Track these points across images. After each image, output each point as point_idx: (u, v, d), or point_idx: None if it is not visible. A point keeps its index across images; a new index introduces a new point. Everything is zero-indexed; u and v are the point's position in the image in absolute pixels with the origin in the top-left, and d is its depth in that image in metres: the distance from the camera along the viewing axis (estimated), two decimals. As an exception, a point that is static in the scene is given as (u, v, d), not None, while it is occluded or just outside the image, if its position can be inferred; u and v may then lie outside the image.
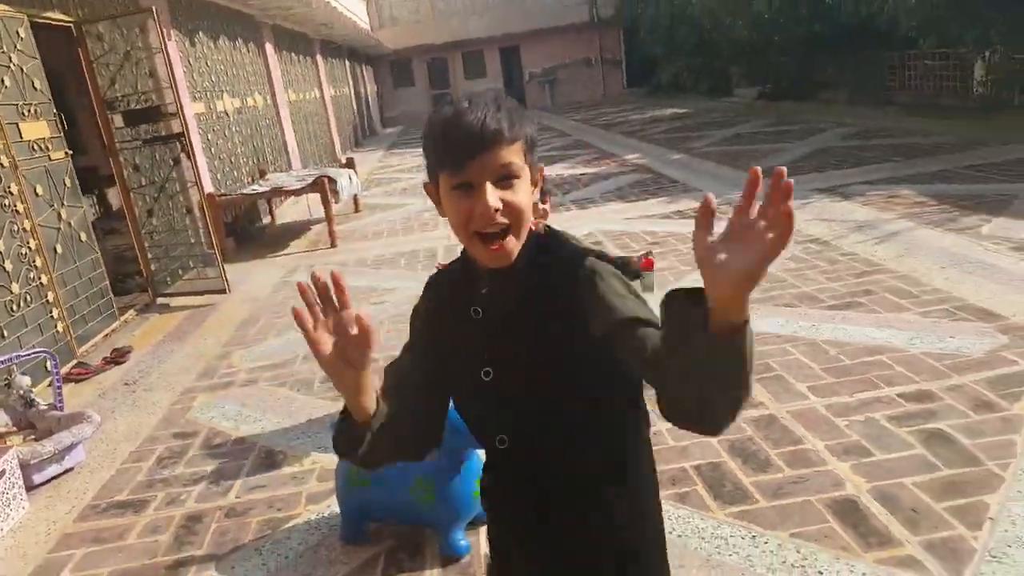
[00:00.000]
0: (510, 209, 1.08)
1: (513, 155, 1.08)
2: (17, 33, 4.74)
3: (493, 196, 1.07)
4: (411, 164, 14.40)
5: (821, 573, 2.15)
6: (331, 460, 3.18)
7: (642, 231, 6.49)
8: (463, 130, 1.06)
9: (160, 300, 6.17)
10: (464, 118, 1.06)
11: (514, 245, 1.11)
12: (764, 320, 4.12)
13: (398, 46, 28.61)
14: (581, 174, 10.56)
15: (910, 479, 2.53)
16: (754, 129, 13.10)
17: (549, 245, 1.19)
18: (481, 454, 2.48)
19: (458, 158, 1.07)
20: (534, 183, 1.15)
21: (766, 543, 2.30)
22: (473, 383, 1.21)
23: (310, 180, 8.03)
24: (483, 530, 2.58)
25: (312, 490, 2.99)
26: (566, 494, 1.20)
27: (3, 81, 4.48)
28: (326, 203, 7.67)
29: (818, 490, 2.54)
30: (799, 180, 7.92)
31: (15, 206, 4.41)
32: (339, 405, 3.71)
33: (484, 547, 2.50)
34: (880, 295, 4.29)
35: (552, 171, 11.17)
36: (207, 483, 3.15)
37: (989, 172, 7.21)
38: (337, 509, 2.70)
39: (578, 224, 7.12)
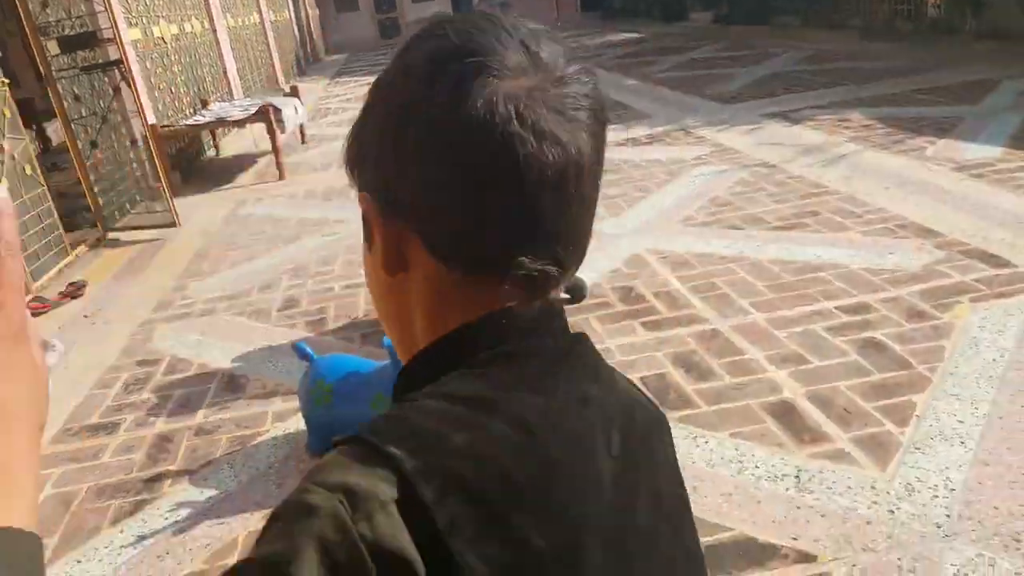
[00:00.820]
0: None
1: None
2: (-62, -47, 4.49)
3: None
4: (358, 93, 14.08)
5: (757, 466, 2.33)
6: (293, 382, 3.27)
7: (595, 157, 6.52)
8: None
9: (111, 235, 6.06)
10: None
11: None
12: (711, 242, 4.27)
13: (342, -32, 27.46)
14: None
15: (844, 383, 2.73)
16: (709, 54, 13.09)
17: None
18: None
19: None
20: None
21: (706, 442, 2.48)
22: None
23: (254, 110, 7.83)
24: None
25: (277, 409, 3.08)
26: None
27: (-72, 5, 4.27)
28: (271, 133, 7.50)
29: (756, 395, 2.72)
30: (752, 106, 8.04)
31: (-48, 137, 4.27)
32: (298, 333, 3.82)
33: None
34: (825, 216, 4.46)
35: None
36: (174, 406, 3.22)
37: (937, 95, 7.39)
38: (303, 425, 2.81)
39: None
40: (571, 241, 0.56)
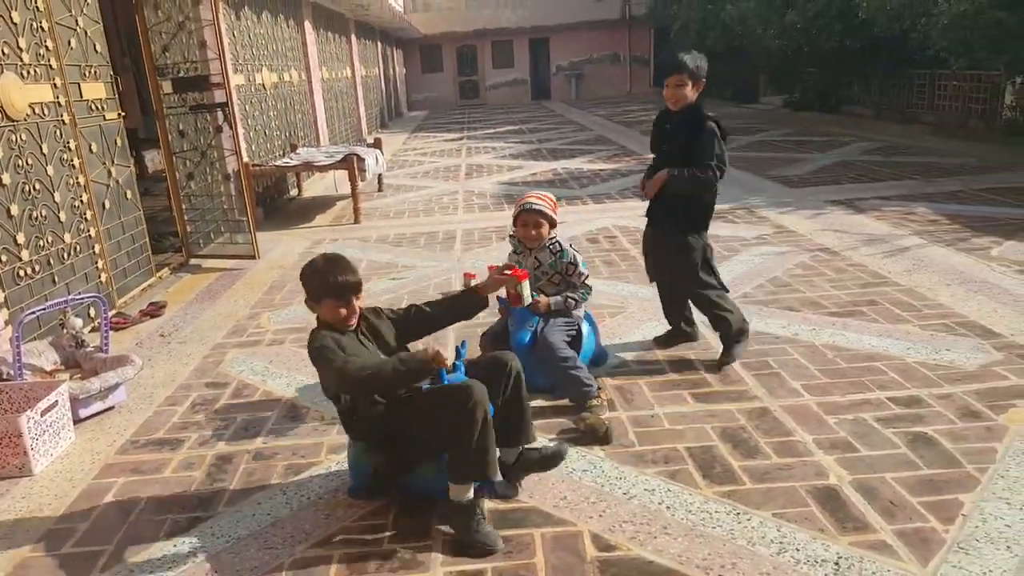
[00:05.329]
0: None
1: None
2: (84, -2, 4.99)
3: None
4: (434, 148, 14.61)
5: (798, 550, 2.35)
6: (353, 418, 3.42)
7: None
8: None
9: (193, 261, 6.43)
10: None
11: None
12: (766, 321, 4.32)
13: (429, 31, 28.82)
14: (600, 169, 10.77)
15: (891, 475, 2.72)
16: (778, 137, 13.21)
17: None
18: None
19: None
20: None
21: (749, 519, 2.51)
22: None
23: (339, 157, 8.27)
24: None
25: (332, 442, 3.23)
26: None
27: (69, 43, 4.74)
28: (353, 180, 7.91)
29: (802, 478, 2.74)
30: (817, 191, 8.09)
31: (72, 161, 4.68)
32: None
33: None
34: (883, 306, 4.47)
35: (571, 165, 11.38)
36: (236, 429, 3.40)
37: (1006, 196, 7.34)
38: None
39: (593, 219, 7.34)
40: None
